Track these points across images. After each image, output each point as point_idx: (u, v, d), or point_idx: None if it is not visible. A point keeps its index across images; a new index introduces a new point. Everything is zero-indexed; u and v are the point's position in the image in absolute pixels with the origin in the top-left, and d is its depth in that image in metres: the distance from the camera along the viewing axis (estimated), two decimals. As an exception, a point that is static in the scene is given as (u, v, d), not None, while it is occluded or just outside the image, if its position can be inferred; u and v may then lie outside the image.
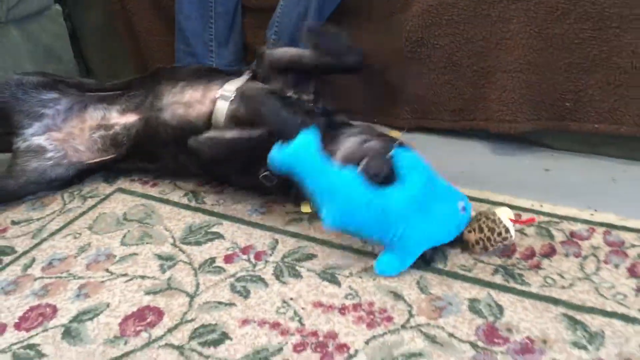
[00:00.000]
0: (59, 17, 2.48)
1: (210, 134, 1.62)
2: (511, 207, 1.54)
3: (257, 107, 1.58)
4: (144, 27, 2.53)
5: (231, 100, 1.66)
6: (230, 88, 1.69)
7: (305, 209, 1.63)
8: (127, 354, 1.23)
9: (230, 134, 1.60)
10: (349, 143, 1.52)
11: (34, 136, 1.79)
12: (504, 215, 1.43)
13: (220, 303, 1.36)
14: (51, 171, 1.81)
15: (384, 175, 1.40)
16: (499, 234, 1.42)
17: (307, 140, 1.40)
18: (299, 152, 1.39)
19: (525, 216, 1.59)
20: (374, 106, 2.31)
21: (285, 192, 1.62)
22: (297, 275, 1.45)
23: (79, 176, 1.89)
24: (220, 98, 1.68)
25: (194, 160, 1.71)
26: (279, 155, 1.41)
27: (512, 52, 1.91)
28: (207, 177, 1.88)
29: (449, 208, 1.44)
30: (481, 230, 1.43)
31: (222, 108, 1.67)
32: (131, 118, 1.83)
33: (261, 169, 1.57)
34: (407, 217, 1.37)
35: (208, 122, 1.69)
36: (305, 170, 1.39)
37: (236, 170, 1.70)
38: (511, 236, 1.42)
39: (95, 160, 1.85)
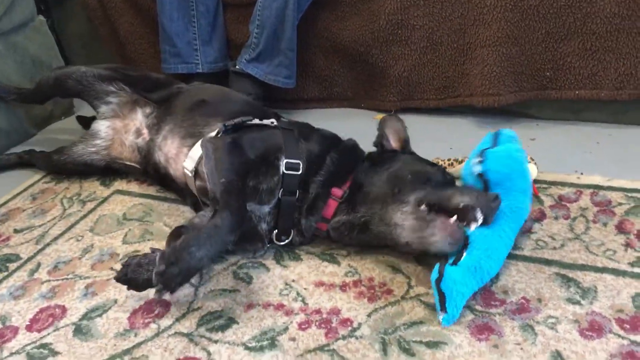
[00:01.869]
0: (43, 27, 2.49)
1: None
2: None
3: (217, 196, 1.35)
4: (127, 32, 2.55)
5: (194, 175, 1.56)
6: (194, 157, 1.56)
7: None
8: (138, 344, 1.27)
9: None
10: (425, 227, 1.29)
11: (102, 118, 1.95)
12: None
13: (224, 290, 1.40)
14: (88, 157, 1.94)
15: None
16: None
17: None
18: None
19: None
20: (360, 91, 2.35)
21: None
22: (297, 258, 1.49)
23: (108, 170, 1.97)
24: (186, 169, 1.59)
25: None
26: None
27: (490, 27, 1.95)
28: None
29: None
30: None
31: (191, 182, 1.58)
32: (147, 136, 1.83)
33: None
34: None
35: (187, 186, 1.64)
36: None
37: None
38: None
39: (128, 163, 1.90)
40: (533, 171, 1.64)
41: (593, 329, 1.17)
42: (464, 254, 1.27)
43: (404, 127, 1.59)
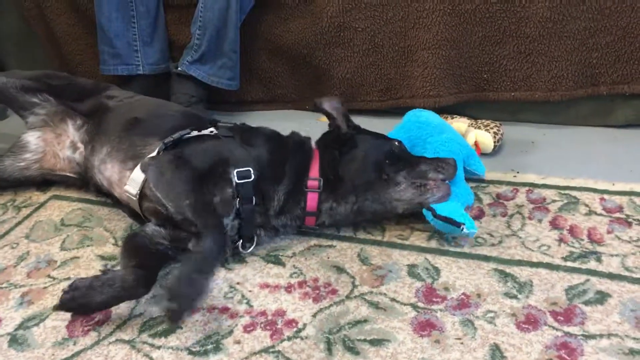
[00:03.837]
0: (-28, 26, 2.39)
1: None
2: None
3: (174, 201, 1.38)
4: (64, 32, 2.47)
5: (138, 199, 1.50)
6: (137, 180, 1.48)
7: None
8: (77, 353, 1.23)
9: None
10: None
11: (31, 128, 1.84)
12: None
13: (167, 295, 1.38)
14: (19, 173, 1.83)
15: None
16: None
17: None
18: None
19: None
20: (304, 93, 2.36)
21: None
22: (242, 261, 1.48)
23: (45, 182, 1.88)
24: (129, 194, 1.51)
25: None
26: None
27: (429, 30, 1.99)
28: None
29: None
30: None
31: (136, 205, 1.52)
32: (83, 152, 1.75)
33: None
34: None
35: (134, 209, 1.58)
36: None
37: None
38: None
39: (64, 174, 1.82)
40: (489, 142, 1.86)
41: (529, 321, 1.21)
42: None
43: (341, 103, 1.65)
